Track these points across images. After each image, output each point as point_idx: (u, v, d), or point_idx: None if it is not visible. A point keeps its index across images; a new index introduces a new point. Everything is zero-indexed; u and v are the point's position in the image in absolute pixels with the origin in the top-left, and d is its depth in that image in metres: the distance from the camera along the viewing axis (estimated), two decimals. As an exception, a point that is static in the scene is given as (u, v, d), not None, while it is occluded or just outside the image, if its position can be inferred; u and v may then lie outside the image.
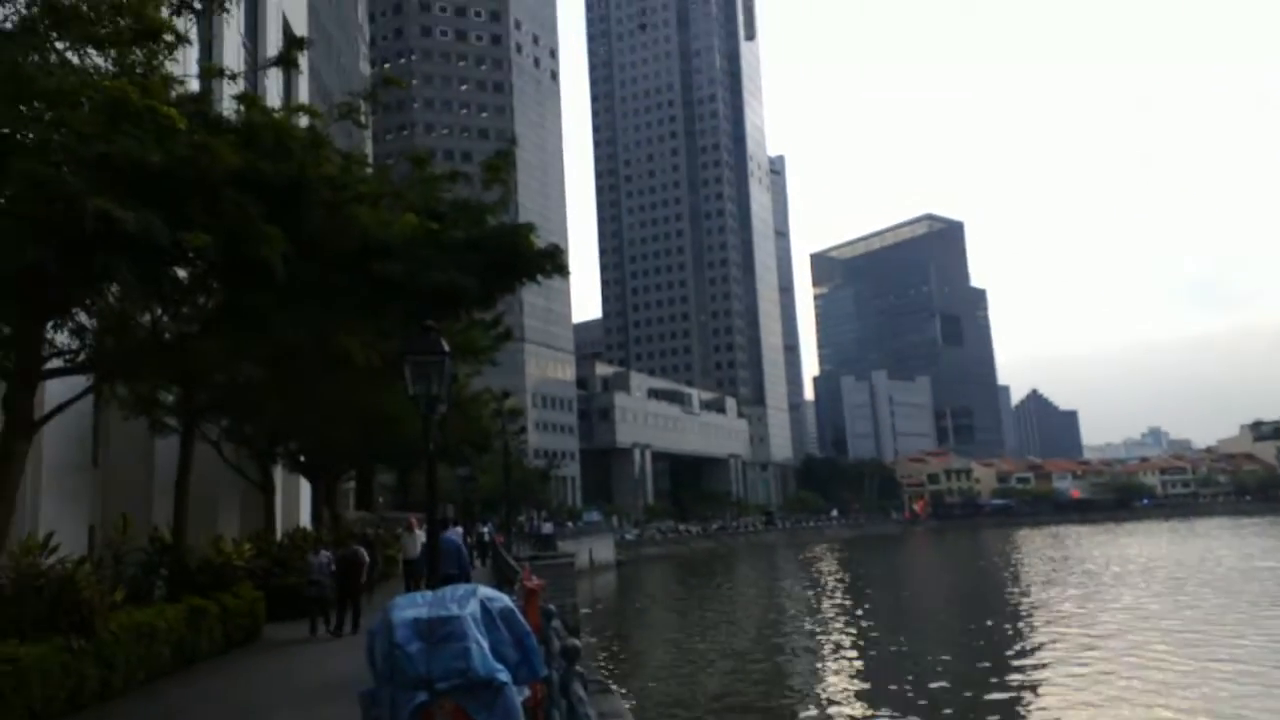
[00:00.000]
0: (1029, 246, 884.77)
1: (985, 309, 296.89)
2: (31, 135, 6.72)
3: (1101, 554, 63.06)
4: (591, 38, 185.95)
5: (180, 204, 7.29)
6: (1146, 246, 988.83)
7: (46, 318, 8.00)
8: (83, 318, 9.36)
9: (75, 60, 7.22)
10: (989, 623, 30.21)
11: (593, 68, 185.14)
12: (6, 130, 6.54)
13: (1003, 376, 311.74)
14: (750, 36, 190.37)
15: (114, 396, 14.28)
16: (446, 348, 8.78)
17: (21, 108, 6.64)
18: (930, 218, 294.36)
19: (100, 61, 7.33)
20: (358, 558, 15.20)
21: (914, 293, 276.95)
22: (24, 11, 6.81)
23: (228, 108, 9.95)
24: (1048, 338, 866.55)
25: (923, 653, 24.84)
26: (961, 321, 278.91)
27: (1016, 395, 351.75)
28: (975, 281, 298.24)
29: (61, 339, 9.47)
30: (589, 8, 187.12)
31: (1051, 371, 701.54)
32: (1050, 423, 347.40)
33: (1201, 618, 28.54)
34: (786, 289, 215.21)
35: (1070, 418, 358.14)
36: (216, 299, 9.65)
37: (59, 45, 6.99)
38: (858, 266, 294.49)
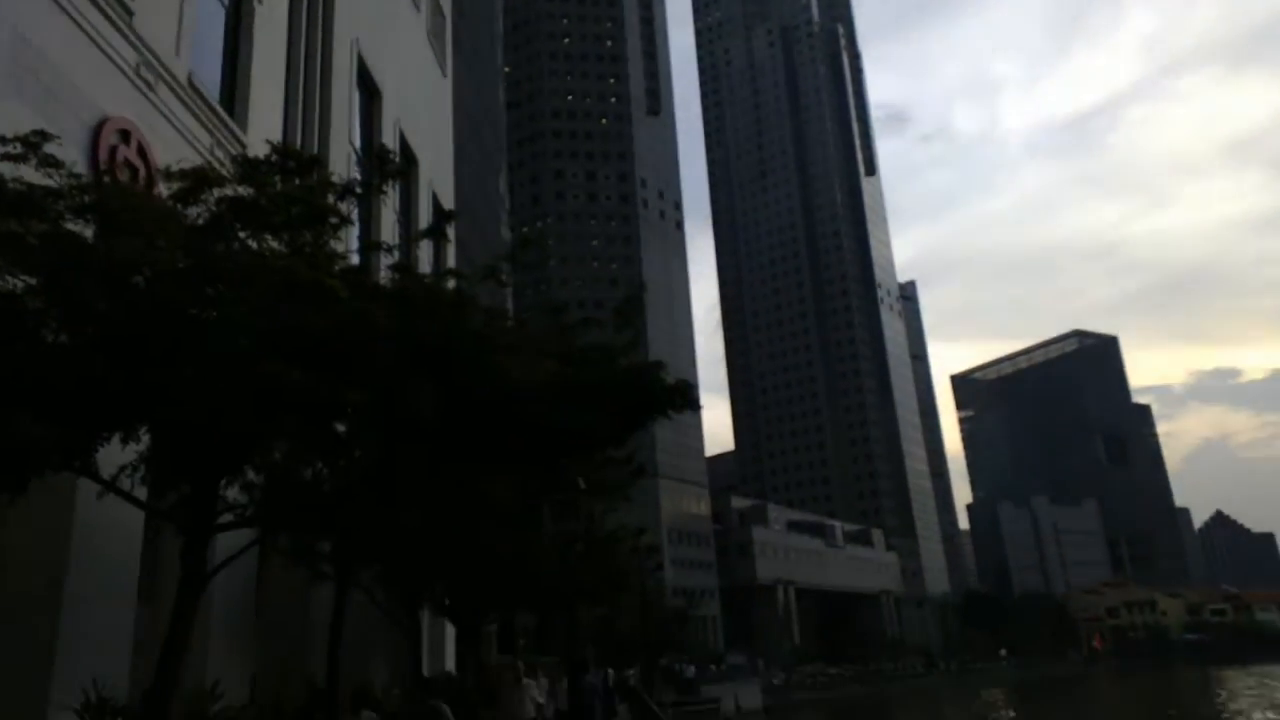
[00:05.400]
0: (1187, 355, 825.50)
1: (1152, 426, 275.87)
2: (215, 314, 7.58)
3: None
4: (714, 186, 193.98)
5: (341, 365, 7.95)
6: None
7: (221, 476, 8.74)
8: (251, 475, 10.14)
9: (253, 245, 8.18)
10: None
11: (716, 213, 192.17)
12: (194, 311, 7.42)
13: (1181, 498, 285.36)
14: (870, 173, 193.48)
15: (275, 548, 15.15)
16: (582, 485, 8.97)
17: (208, 290, 7.55)
18: (1079, 334, 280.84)
19: (274, 244, 8.27)
20: None
21: (1070, 413, 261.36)
22: (213, 209, 7.86)
23: (384, 276, 10.92)
24: (1229, 454, 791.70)
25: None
26: (1127, 441, 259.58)
27: (1199, 517, 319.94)
28: (1138, 397, 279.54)
29: (232, 494, 10.26)
30: (710, 161, 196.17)
31: (1240, 492, 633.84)
32: (1243, 548, 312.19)
33: None
34: (929, 414, 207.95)
35: (1266, 541, 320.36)
36: (372, 452, 10.27)
37: (240, 234, 7.97)
38: (1004, 388, 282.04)
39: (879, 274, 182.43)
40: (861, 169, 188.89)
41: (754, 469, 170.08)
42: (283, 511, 10.49)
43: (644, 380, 11.76)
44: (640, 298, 14.50)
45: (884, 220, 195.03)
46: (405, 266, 10.72)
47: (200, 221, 7.89)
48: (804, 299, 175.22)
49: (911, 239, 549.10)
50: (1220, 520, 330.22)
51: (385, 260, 10.97)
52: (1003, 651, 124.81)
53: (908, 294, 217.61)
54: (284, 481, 10.13)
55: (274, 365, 6.99)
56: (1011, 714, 60.02)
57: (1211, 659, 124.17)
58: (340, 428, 9.61)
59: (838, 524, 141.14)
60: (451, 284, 10.90)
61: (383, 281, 10.43)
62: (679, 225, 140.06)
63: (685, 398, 12.05)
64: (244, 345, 7.03)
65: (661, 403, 12.04)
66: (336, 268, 8.55)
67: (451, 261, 25.31)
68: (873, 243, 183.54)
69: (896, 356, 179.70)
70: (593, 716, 14.84)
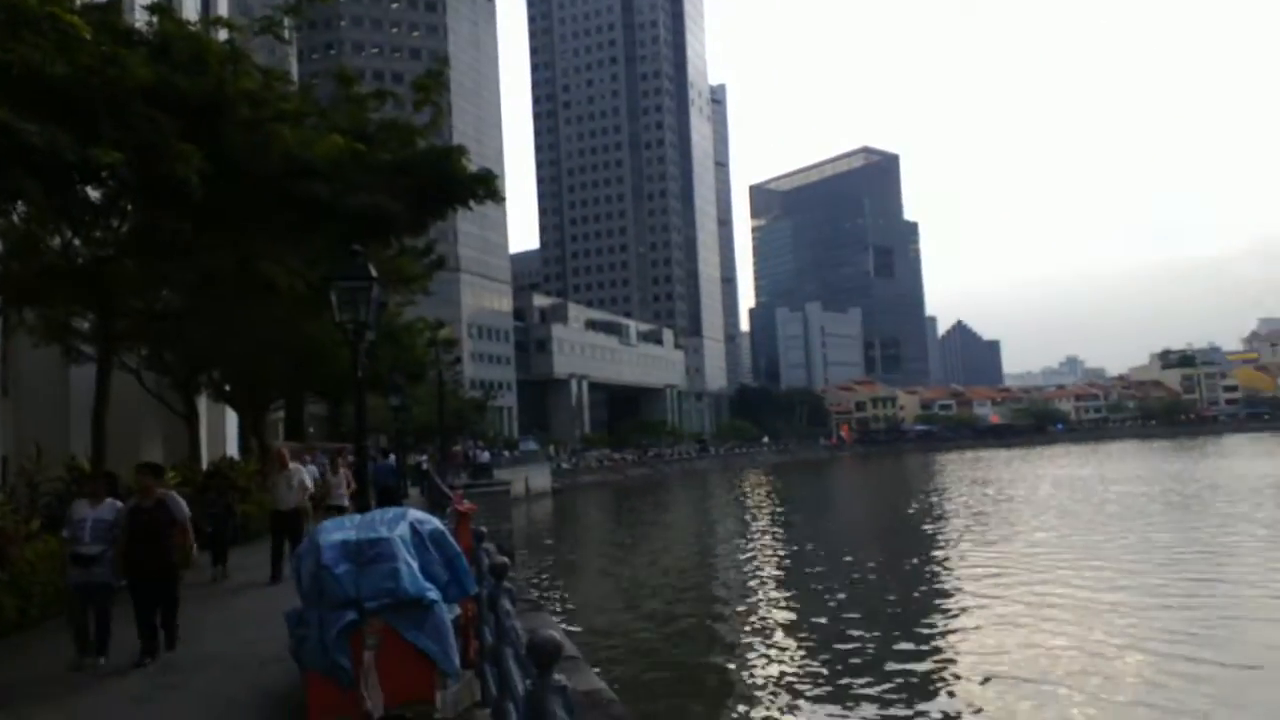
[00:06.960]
0: (961, 178, 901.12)
1: (917, 242, 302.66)
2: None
3: (1013, 475, 66.59)
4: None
5: (89, 119, 6.96)
6: (1075, 180, 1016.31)
7: (-54, 238, 7.64)
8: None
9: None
10: (909, 544, 31.62)
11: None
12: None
13: (931, 308, 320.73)
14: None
15: (22, 322, 13.73)
16: (374, 273, 8.64)
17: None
18: (867, 150, 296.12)
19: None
20: (165, 513, 7.62)
21: (849, 225, 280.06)
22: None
23: (139, 19, 9.44)
24: (975, 270, 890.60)
25: (842, 570, 25.98)
26: (894, 254, 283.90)
27: (943, 326, 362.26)
28: (909, 215, 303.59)
29: (-36, 261, 9.04)
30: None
31: (978, 304, 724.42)
32: (974, 352, 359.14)
33: (1089, 540, 30.33)
34: (725, 221, 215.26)
35: (993, 348, 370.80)
36: (131, 221, 9.31)
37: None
38: (795, 199, 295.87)
39: (692, 73, 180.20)
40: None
41: (557, 267, 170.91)
42: (25, 281, 9.43)
43: (444, 165, 11.25)
44: (444, 72, 13.47)
45: (701, 14, 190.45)
46: (164, 9, 9.28)
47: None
48: (617, 92, 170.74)
49: (722, 39, 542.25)
50: (960, 329, 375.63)
51: (140, 0, 9.47)
52: (765, 439, 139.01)
53: (717, 98, 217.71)
54: (26, 249, 9.05)
55: (3, 114, 6.01)
56: (763, 486, 68.27)
57: (935, 446, 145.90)
58: (94, 193, 8.58)
59: (633, 324, 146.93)
60: (222, 35, 9.63)
61: (137, 25, 9.03)
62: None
63: (488, 188, 11.71)
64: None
65: (463, 192, 11.64)
66: (77, 2, 7.28)
67: (223, 9, 22.25)
68: (689, 39, 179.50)
69: (701, 162, 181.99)
70: (389, 498, 15.38)
